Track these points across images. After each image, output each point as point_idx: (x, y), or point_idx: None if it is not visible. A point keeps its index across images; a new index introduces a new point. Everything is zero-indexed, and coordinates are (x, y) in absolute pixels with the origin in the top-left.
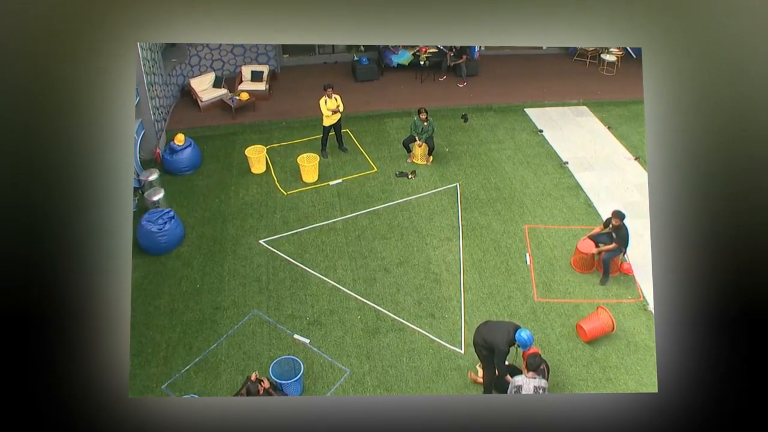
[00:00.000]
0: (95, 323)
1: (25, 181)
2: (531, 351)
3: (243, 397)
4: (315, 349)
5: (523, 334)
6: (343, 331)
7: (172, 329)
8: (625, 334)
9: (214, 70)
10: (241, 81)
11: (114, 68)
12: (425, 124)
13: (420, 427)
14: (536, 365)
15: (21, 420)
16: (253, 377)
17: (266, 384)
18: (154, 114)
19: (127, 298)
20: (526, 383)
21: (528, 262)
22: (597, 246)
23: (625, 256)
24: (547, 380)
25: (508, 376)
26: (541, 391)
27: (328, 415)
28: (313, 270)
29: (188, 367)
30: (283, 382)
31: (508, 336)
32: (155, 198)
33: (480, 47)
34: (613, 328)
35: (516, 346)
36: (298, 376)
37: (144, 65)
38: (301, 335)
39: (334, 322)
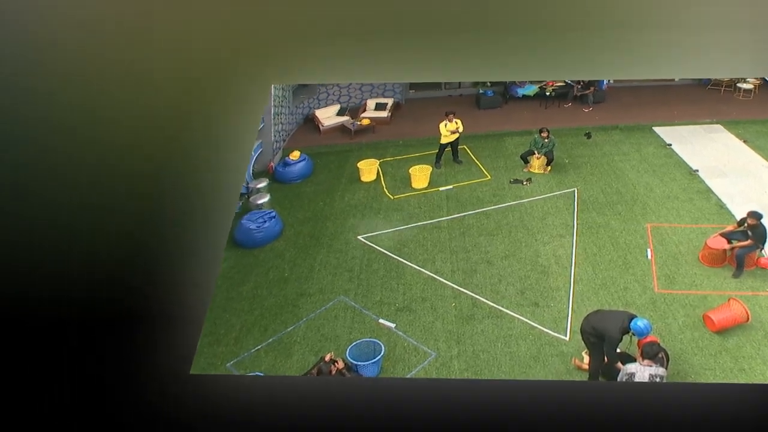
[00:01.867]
0: (174, 299)
1: (155, 181)
2: (648, 340)
3: (311, 376)
4: (400, 333)
5: (640, 323)
6: (434, 317)
7: (250, 313)
8: (763, 326)
9: (340, 103)
10: (364, 110)
11: (247, 104)
12: (546, 140)
13: (508, 412)
14: (653, 353)
15: (82, 385)
16: (327, 358)
17: (340, 364)
18: (275, 136)
19: (211, 283)
20: (641, 371)
21: (649, 257)
22: (729, 243)
23: (763, 252)
24: (666, 369)
25: (619, 364)
26: (657, 380)
27: (399, 396)
28: (409, 262)
29: (259, 347)
30: (359, 363)
31: (622, 324)
32: (260, 201)
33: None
34: (748, 319)
35: (631, 334)
36: (377, 358)
37: (274, 101)
38: (387, 320)
39: (425, 308)
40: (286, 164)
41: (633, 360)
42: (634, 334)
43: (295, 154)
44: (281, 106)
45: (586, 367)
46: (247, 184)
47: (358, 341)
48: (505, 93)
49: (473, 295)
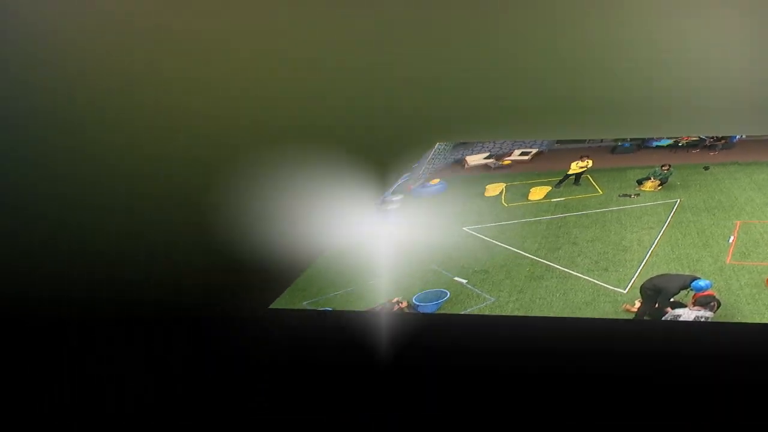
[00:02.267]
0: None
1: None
2: (705, 293)
3: (372, 312)
4: (470, 287)
5: (701, 282)
6: (505, 276)
7: (342, 274)
8: None
9: (489, 151)
10: (509, 155)
11: (411, 156)
12: (665, 171)
13: (543, 343)
14: (706, 302)
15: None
16: (394, 300)
17: (403, 304)
18: (423, 171)
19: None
20: (687, 313)
21: (730, 241)
22: None
23: None
24: (714, 314)
25: (668, 308)
26: (702, 320)
27: (445, 326)
28: (501, 243)
29: (337, 293)
30: (420, 303)
31: (683, 283)
32: (389, 207)
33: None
34: None
35: (688, 290)
36: (439, 301)
37: (433, 152)
38: (461, 278)
39: (500, 271)
40: (424, 186)
41: (683, 307)
42: (692, 290)
43: (435, 180)
44: (437, 156)
45: (635, 310)
46: (384, 197)
47: (428, 290)
48: (640, 144)
49: (548, 263)
